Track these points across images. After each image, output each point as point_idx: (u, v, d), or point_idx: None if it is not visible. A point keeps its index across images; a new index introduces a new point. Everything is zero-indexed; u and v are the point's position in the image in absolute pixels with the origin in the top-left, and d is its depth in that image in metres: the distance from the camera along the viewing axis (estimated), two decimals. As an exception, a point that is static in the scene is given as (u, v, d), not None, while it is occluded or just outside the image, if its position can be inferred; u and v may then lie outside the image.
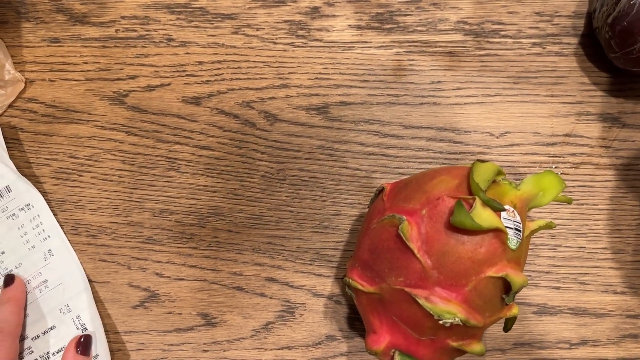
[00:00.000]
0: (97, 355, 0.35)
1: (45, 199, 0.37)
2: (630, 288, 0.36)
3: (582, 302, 0.36)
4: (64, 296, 0.36)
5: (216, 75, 0.39)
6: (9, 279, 0.35)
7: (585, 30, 0.39)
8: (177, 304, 0.36)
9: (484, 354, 0.30)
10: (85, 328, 0.35)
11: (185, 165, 0.38)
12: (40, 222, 0.37)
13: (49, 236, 0.37)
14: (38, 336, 0.35)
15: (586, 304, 0.36)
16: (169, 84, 0.39)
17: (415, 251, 0.28)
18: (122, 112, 0.39)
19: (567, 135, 0.38)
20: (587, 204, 0.37)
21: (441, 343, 0.29)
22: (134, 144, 0.38)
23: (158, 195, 0.38)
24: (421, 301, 0.27)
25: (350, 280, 0.30)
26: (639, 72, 0.36)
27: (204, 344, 0.36)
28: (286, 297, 0.36)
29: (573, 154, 0.37)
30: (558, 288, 0.36)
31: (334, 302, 0.36)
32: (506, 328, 0.30)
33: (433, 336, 0.29)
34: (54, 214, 0.37)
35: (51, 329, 0.35)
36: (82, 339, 0.34)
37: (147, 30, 0.40)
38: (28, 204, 0.37)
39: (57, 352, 0.35)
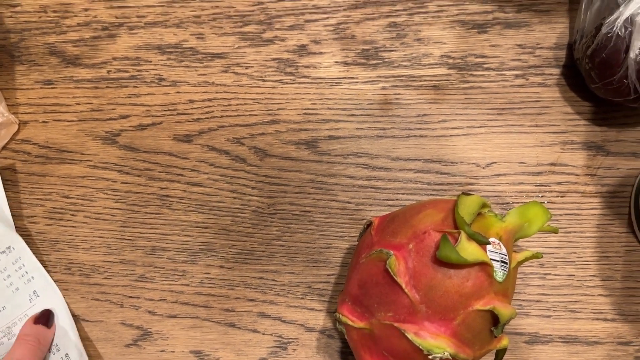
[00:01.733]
0: None
1: (39, 239, 0.38)
2: (621, 315, 0.36)
3: (573, 330, 0.36)
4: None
5: (207, 112, 0.40)
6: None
7: (566, 61, 0.40)
8: (169, 342, 0.37)
9: (476, 386, 0.30)
10: None
11: (177, 202, 0.38)
12: (23, 265, 0.37)
13: (32, 277, 0.37)
14: None
15: (577, 332, 0.36)
16: (160, 123, 0.40)
17: (403, 286, 0.28)
18: (114, 152, 0.39)
19: (552, 164, 0.38)
20: (575, 232, 0.37)
21: (432, 377, 0.29)
22: (126, 183, 0.39)
23: (150, 233, 0.38)
24: (410, 336, 0.27)
25: (341, 316, 0.31)
26: (620, 102, 0.37)
27: (198, 381, 0.36)
28: (279, 333, 0.36)
29: (559, 183, 0.38)
30: (549, 317, 0.36)
31: (326, 336, 0.36)
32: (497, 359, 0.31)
33: (424, 370, 0.29)
34: (47, 254, 0.38)
35: None
36: (41, 313, 0.35)
37: (138, 71, 0.40)
38: (9, 247, 0.37)
39: None
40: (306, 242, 0.38)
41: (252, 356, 0.36)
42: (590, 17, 0.37)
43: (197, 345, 0.36)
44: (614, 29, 0.35)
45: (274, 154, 0.39)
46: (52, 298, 0.37)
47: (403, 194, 0.38)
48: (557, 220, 0.37)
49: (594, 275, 0.37)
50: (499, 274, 0.28)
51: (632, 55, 0.34)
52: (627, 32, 0.34)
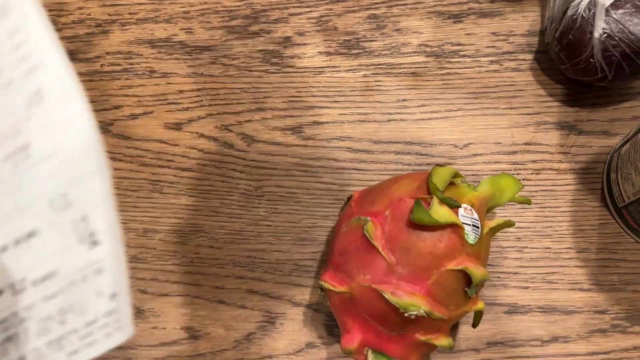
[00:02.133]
0: (114, 294, 0.20)
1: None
2: (596, 285, 0.37)
3: (551, 300, 0.37)
4: (61, 178, 0.19)
5: (196, 102, 0.42)
6: None
7: (539, 46, 0.42)
8: (161, 319, 0.38)
9: (453, 347, 0.31)
10: (94, 241, 0.19)
11: (168, 186, 0.40)
12: (26, 40, 0.19)
13: (40, 64, 0.19)
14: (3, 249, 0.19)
15: (555, 302, 0.37)
16: (151, 112, 0.41)
17: (380, 249, 0.29)
18: (107, 140, 0.41)
19: (527, 143, 0.40)
20: (550, 207, 0.39)
21: (410, 338, 0.30)
22: (118, 169, 0.41)
23: (142, 216, 0.40)
24: (387, 296, 0.29)
25: (323, 283, 0.32)
26: (589, 82, 0.38)
27: (188, 356, 0.37)
28: (267, 308, 0.38)
29: (534, 161, 0.39)
30: (527, 288, 0.37)
31: (312, 310, 0.38)
32: (474, 323, 0.32)
33: (402, 331, 0.30)
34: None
35: (29, 236, 0.19)
36: None
37: (130, 64, 0.42)
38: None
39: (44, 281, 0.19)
40: (292, 222, 0.39)
41: (241, 331, 0.37)
42: (559, 3, 0.39)
43: (188, 322, 0.38)
44: (579, 11, 0.37)
45: (260, 140, 0.41)
46: (71, 109, 0.18)
47: (385, 174, 0.40)
48: (533, 196, 0.39)
49: (569, 248, 0.38)
50: (471, 236, 0.30)
51: (596, 35, 0.36)
52: (591, 13, 0.36)
